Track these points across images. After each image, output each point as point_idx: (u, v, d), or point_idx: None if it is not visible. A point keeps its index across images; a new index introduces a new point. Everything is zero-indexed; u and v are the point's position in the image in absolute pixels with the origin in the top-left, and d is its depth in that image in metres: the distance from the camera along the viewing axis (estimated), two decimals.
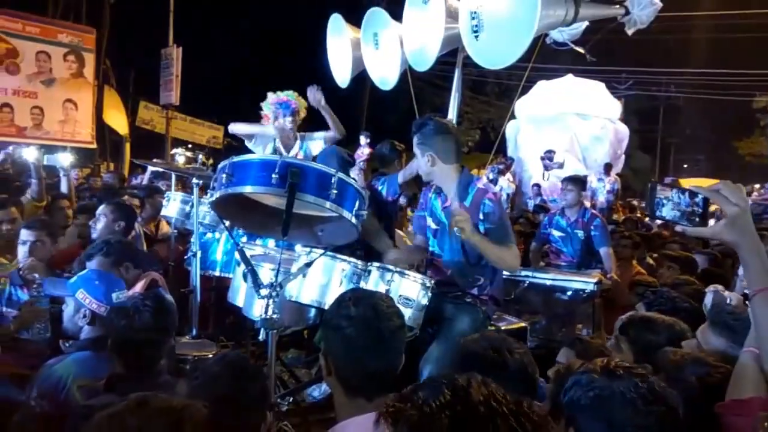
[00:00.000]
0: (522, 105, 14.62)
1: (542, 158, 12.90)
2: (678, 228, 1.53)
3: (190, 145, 15.76)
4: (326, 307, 2.82)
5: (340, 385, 1.64)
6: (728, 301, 2.50)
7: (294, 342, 4.48)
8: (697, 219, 1.43)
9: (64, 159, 5.54)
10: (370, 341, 1.62)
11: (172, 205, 4.22)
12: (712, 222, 1.47)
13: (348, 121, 5.06)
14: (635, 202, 15.22)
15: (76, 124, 13.02)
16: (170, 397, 1.24)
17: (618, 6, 4.00)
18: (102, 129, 15.02)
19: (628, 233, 6.25)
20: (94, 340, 2.41)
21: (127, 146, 16.08)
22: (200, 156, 3.60)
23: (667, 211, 1.47)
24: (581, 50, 4.28)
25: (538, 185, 12.91)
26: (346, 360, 1.62)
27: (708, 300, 2.64)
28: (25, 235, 3.38)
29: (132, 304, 2.29)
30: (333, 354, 1.65)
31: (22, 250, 3.37)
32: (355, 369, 1.61)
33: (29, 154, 4.80)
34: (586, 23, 4.13)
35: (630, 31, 4.28)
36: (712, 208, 1.46)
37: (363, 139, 11.29)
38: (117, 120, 15.65)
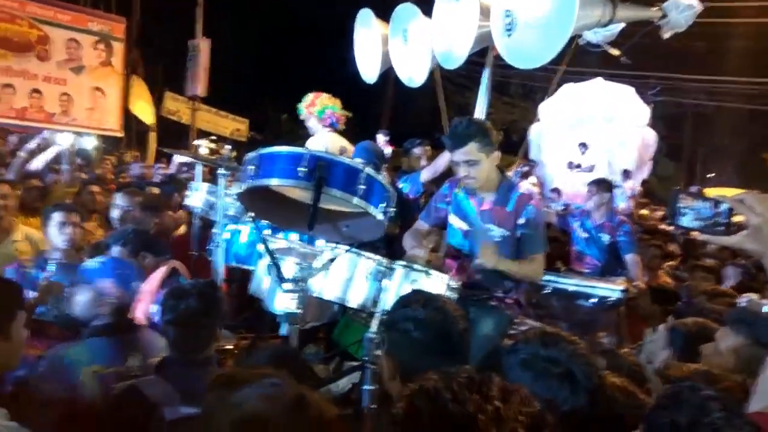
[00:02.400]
0: (547, 107, 14.44)
1: (569, 164, 12.70)
2: (700, 237, 1.51)
3: (213, 137, 15.86)
4: (349, 304, 2.81)
5: None
6: (765, 309, 2.44)
7: (312, 337, 4.47)
8: (720, 228, 1.41)
9: (88, 143, 5.45)
10: (440, 344, 1.59)
11: (197, 196, 4.22)
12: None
13: (370, 119, 5.06)
14: (645, 212, 14.81)
15: (104, 112, 13.19)
16: (324, 403, 1.17)
17: (656, 8, 3.90)
18: (128, 118, 15.17)
19: (658, 243, 6.15)
20: (109, 326, 2.42)
21: (153, 136, 16.23)
22: (229, 148, 3.58)
23: (688, 221, 1.45)
24: (617, 52, 4.19)
25: (557, 190, 12.71)
26: (414, 363, 1.57)
27: None
28: (59, 216, 3.39)
29: (184, 288, 2.31)
30: (399, 357, 1.60)
31: (55, 233, 3.38)
32: (422, 372, 1.57)
33: (63, 140, 4.86)
34: (621, 25, 4.03)
35: (666, 35, 4.18)
36: (738, 218, 1.43)
37: (381, 138, 11.20)
38: (144, 110, 15.79)
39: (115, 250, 3.17)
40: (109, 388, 2.23)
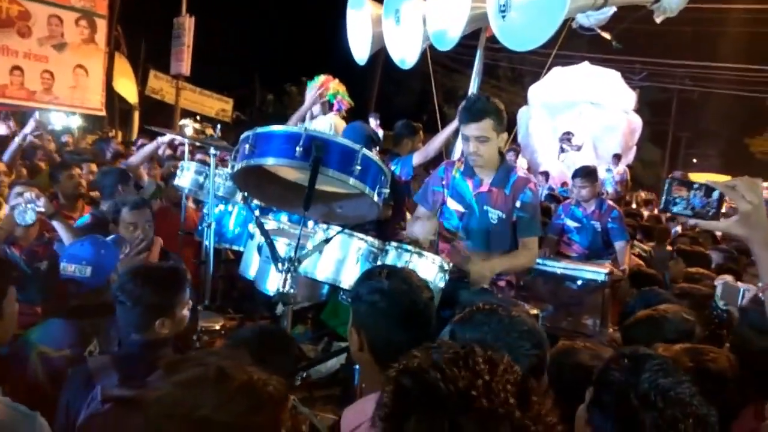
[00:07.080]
0: (535, 91, 14.46)
1: (561, 139, 12.79)
2: (690, 222, 1.58)
3: (198, 117, 15.69)
4: (341, 285, 2.81)
5: (373, 359, 1.62)
6: (741, 291, 2.51)
7: (301, 318, 4.47)
8: (710, 213, 1.47)
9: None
10: (406, 313, 1.62)
11: (186, 175, 4.17)
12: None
13: (358, 101, 5.01)
14: (643, 194, 15.13)
15: (86, 90, 12.90)
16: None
17: None
18: (111, 97, 14.91)
19: (631, 224, 6.25)
20: (73, 309, 2.34)
21: (136, 115, 16.00)
22: (218, 127, 3.56)
23: (679, 209, 1.52)
24: (608, 36, 4.18)
25: (546, 173, 12.82)
26: (381, 333, 1.61)
27: (718, 290, 2.65)
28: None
29: None
30: (366, 328, 1.63)
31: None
32: (390, 342, 1.60)
33: (57, 121, 4.85)
34: (613, 9, 4.03)
35: (658, 19, 4.18)
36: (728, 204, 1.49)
37: (372, 121, 11.20)
38: (127, 88, 15.54)
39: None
40: (56, 371, 2.13)
